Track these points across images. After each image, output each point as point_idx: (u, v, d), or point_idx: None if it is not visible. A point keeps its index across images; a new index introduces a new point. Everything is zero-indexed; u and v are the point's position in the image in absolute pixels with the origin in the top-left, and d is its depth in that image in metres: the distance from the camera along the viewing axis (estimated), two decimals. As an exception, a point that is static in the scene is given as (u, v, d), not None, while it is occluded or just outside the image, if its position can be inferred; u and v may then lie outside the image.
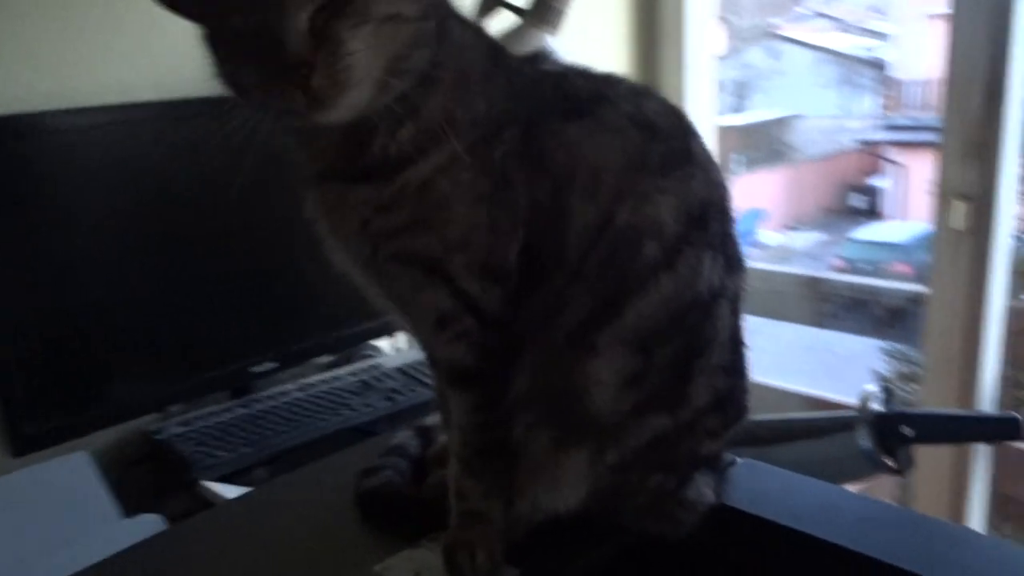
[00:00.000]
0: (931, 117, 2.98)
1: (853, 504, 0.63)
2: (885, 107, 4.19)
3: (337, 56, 0.47)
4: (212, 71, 0.50)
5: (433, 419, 0.71)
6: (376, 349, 1.43)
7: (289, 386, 1.27)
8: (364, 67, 0.49)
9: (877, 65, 4.14)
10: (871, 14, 4.24)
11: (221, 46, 0.50)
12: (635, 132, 0.57)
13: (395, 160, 0.52)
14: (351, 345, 1.37)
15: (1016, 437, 0.82)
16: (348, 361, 1.38)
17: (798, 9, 4.36)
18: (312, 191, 0.57)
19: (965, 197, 1.50)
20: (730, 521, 0.62)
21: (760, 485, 0.65)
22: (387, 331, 1.36)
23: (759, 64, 4.22)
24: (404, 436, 0.71)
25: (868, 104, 4.29)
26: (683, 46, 1.93)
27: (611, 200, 0.55)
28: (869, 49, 4.17)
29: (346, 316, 1.28)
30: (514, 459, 0.59)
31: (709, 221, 0.57)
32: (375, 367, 1.34)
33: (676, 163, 0.57)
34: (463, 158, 0.52)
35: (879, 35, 4.16)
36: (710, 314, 0.57)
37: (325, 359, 1.37)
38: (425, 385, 1.29)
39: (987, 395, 1.49)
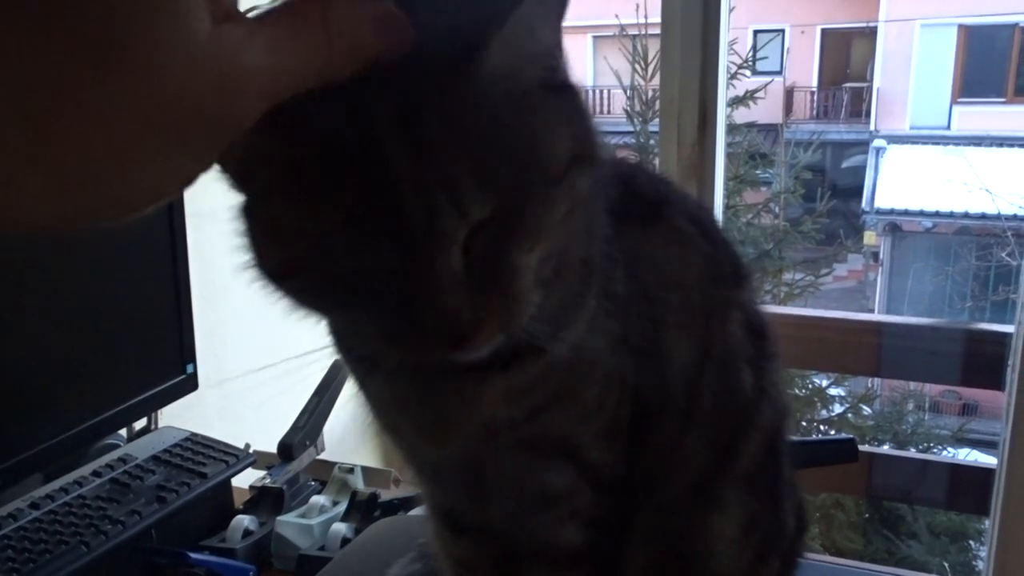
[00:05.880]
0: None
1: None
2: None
3: (510, 298, 0.35)
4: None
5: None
6: (119, 436, 1.17)
7: (18, 504, 0.98)
8: (534, 290, 0.36)
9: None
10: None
11: (325, 289, 0.35)
12: (700, 238, 0.49)
13: (543, 331, 0.40)
14: (92, 442, 1.10)
15: (855, 458, 0.88)
16: (84, 458, 1.10)
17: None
18: (388, 382, 0.44)
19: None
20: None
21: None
22: (134, 416, 1.12)
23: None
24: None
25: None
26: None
27: (703, 325, 0.47)
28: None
29: (80, 409, 1.03)
30: None
31: (764, 327, 0.52)
32: (124, 459, 1.09)
33: (742, 270, 0.51)
34: (607, 301, 0.41)
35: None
36: (785, 429, 0.53)
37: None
38: (196, 473, 1.08)
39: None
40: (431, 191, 0.32)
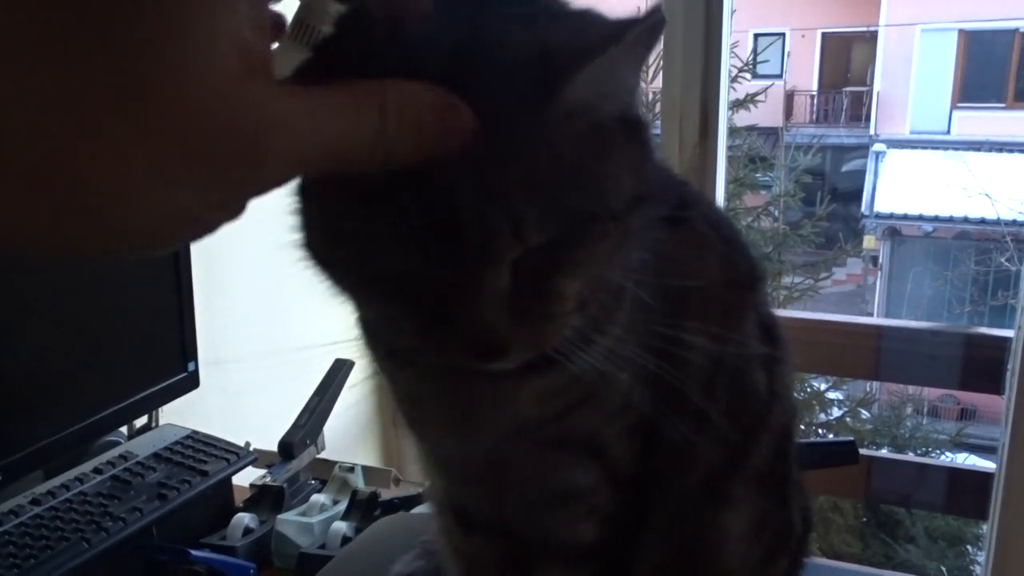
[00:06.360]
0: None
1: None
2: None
3: (548, 320, 0.35)
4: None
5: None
6: (119, 434, 1.17)
7: (19, 500, 0.98)
8: (573, 313, 0.37)
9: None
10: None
11: (368, 283, 0.36)
12: (717, 240, 0.50)
13: (581, 337, 0.40)
14: (93, 439, 1.10)
15: (855, 460, 0.89)
16: (85, 455, 1.11)
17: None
18: (419, 376, 0.44)
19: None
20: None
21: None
22: (135, 414, 1.12)
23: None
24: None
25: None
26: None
27: (720, 326, 0.47)
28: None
29: (81, 407, 1.03)
30: None
31: (777, 329, 0.53)
32: (124, 456, 1.10)
33: (757, 272, 0.52)
34: (635, 304, 0.41)
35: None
36: (793, 431, 0.53)
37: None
38: (197, 471, 1.08)
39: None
40: (491, 213, 0.32)
